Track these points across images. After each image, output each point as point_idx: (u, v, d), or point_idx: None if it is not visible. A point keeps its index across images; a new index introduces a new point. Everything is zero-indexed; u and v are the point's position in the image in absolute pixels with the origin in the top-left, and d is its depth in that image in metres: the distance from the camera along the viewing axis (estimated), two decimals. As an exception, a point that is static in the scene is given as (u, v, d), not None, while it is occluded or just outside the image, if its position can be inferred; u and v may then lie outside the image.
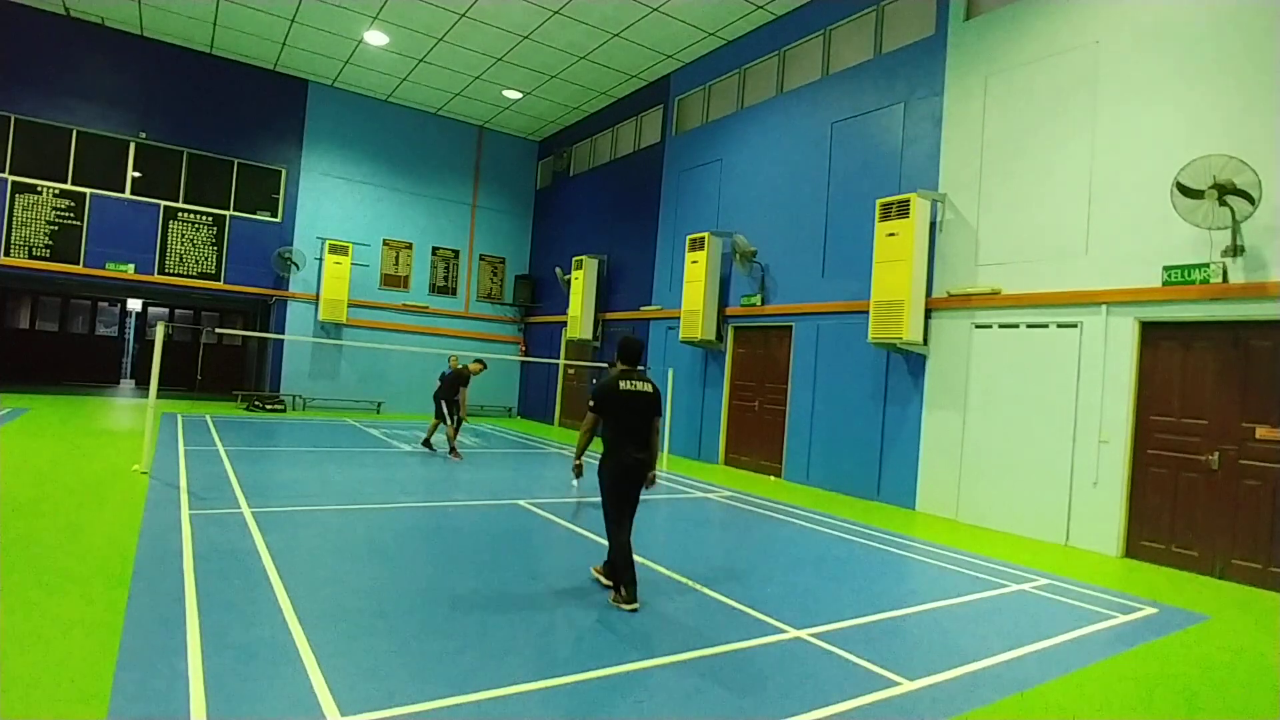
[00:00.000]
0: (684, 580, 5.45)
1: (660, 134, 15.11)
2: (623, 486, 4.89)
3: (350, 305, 16.90)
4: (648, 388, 4.93)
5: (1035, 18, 8.57)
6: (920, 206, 9.17)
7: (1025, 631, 4.84)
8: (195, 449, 9.82)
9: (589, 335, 15.98)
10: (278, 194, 16.68)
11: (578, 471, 5.00)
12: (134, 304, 20.92)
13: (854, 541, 7.32)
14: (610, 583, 4.94)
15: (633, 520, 4.96)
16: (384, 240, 17.90)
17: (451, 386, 11.01)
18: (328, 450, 10.97)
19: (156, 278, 15.47)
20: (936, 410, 9.19)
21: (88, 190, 14.84)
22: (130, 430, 11.25)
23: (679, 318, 12.96)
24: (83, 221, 14.77)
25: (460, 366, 11.19)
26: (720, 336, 12.69)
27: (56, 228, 14.55)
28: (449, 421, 11.08)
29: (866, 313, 9.67)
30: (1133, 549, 7.37)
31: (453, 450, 11.08)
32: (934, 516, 8.98)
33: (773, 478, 11.35)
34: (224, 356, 20.07)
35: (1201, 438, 7.00)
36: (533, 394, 19.30)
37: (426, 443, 11.63)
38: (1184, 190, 6.71)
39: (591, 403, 4.91)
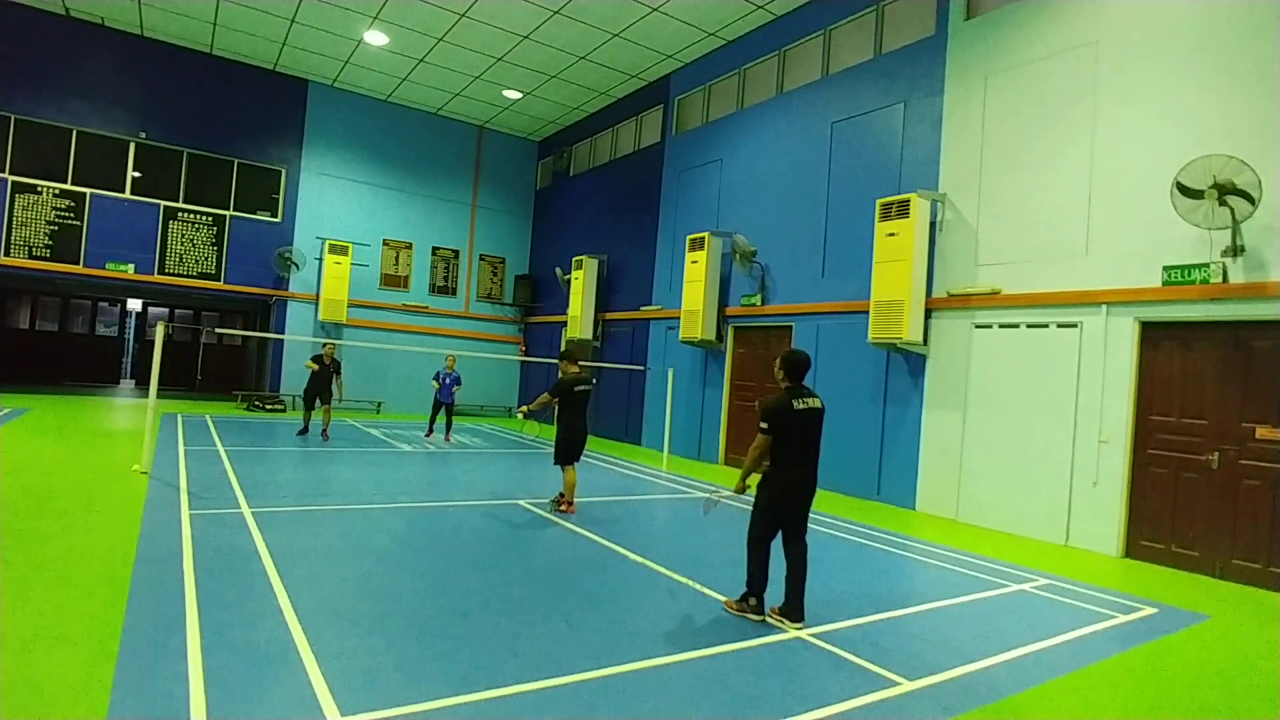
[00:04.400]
0: (684, 580, 5.45)
1: (660, 134, 15.11)
2: (788, 503, 4.76)
3: (350, 305, 16.91)
4: (819, 404, 4.83)
5: (1035, 18, 8.57)
6: (920, 206, 9.17)
7: (1025, 631, 4.84)
8: (195, 449, 9.82)
9: (589, 335, 15.98)
10: (278, 194, 16.68)
11: (740, 491, 4.86)
12: (134, 304, 20.92)
13: (854, 541, 7.32)
14: (753, 613, 4.70)
15: (805, 534, 4.84)
16: (384, 240, 17.90)
17: (330, 375, 12.03)
18: (328, 450, 10.96)
19: (156, 278, 15.47)
20: (936, 410, 9.19)
21: (88, 190, 14.84)
22: (130, 430, 11.25)
23: (679, 318, 12.96)
24: (83, 221, 14.77)
25: (327, 356, 12.08)
26: (720, 336, 12.69)
27: (56, 228, 14.55)
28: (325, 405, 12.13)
29: (866, 313, 9.67)
30: (1133, 549, 7.37)
31: (308, 429, 12.16)
32: (934, 516, 8.98)
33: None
34: (224, 356, 20.07)
35: (1201, 438, 6.99)
36: (533, 394, 19.27)
37: (325, 434, 12.18)
38: (1184, 190, 6.71)
39: (764, 424, 4.65)
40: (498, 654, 3.81)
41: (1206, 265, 6.83)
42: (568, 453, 7.68)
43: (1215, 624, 5.38)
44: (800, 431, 4.70)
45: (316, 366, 11.89)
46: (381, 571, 5.20)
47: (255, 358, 18.80)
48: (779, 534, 4.82)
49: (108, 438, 10.41)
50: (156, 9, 13.80)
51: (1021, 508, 8.18)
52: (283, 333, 16.36)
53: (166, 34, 15.02)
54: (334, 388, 12.03)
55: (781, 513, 4.77)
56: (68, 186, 14.67)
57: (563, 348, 17.78)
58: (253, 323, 19.25)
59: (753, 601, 4.70)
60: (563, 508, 7.61)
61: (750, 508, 4.94)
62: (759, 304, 11.97)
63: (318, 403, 12.05)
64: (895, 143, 10.10)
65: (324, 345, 12.32)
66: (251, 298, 16.80)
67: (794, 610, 4.63)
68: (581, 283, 15.89)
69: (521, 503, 7.98)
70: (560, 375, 7.77)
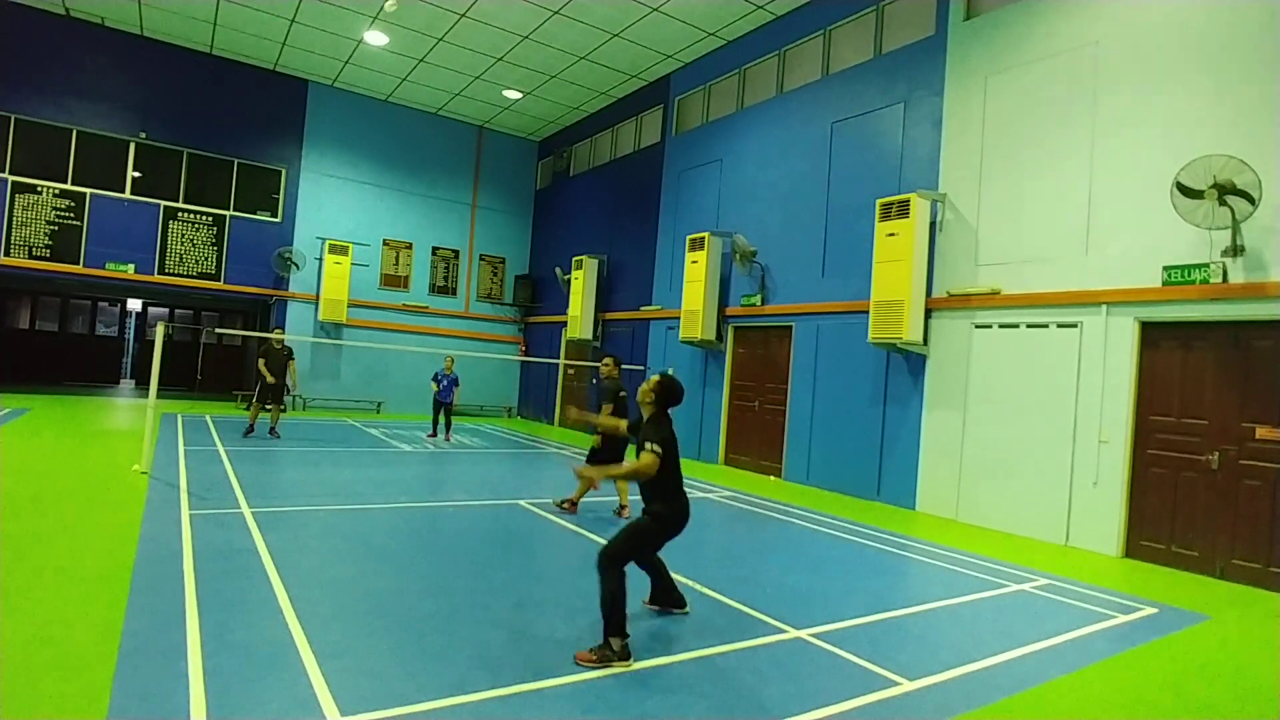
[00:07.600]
0: (684, 580, 5.44)
1: (660, 134, 15.11)
2: (671, 532, 4.44)
3: (350, 305, 16.90)
4: None
5: (1035, 18, 8.57)
6: (920, 206, 9.17)
7: (1025, 631, 4.84)
8: (195, 449, 9.82)
9: (589, 335, 15.97)
10: (278, 194, 16.67)
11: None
12: (134, 304, 20.91)
13: (854, 541, 7.32)
14: (619, 658, 3.84)
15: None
16: (384, 240, 17.90)
17: (284, 361, 11.84)
18: (328, 450, 10.96)
19: (156, 278, 15.46)
20: (936, 410, 9.19)
21: (88, 190, 14.84)
22: (130, 430, 11.24)
23: (679, 318, 12.96)
24: (83, 221, 14.77)
25: (280, 346, 11.98)
26: (720, 336, 12.69)
27: (56, 228, 14.55)
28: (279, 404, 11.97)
29: (866, 313, 9.67)
30: (1133, 549, 7.37)
31: (252, 429, 11.89)
32: (934, 516, 8.98)
33: (773, 478, 11.35)
34: (224, 356, 20.06)
35: (1201, 438, 6.99)
36: (533, 394, 19.29)
37: (273, 431, 11.94)
38: (1184, 190, 6.71)
39: (657, 449, 4.18)
40: (498, 653, 3.81)
41: (1206, 265, 6.83)
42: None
43: (1215, 624, 5.38)
44: (676, 457, 4.44)
45: (265, 361, 11.76)
46: (381, 571, 5.19)
47: (255, 358, 18.78)
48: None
49: (108, 438, 10.41)
50: (156, 9, 13.80)
51: (1021, 508, 8.18)
52: (283, 333, 16.34)
53: (166, 34, 15.01)
54: (288, 379, 11.95)
55: (662, 543, 4.52)
56: (68, 186, 14.66)
57: (562, 347, 17.88)
58: (253, 323, 19.24)
59: (617, 645, 3.82)
60: (564, 506, 7.64)
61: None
62: (759, 304, 11.97)
63: (270, 401, 11.73)
64: (895, 143, 10.10)
65: (273, 331, 12.23)
66: (251, 298, 16.79)
67: (679, 598, 4.76)
68: (581, 283, 15.89)
69: (521, 503, 7.98)
70: (608, 382, 7.72)
